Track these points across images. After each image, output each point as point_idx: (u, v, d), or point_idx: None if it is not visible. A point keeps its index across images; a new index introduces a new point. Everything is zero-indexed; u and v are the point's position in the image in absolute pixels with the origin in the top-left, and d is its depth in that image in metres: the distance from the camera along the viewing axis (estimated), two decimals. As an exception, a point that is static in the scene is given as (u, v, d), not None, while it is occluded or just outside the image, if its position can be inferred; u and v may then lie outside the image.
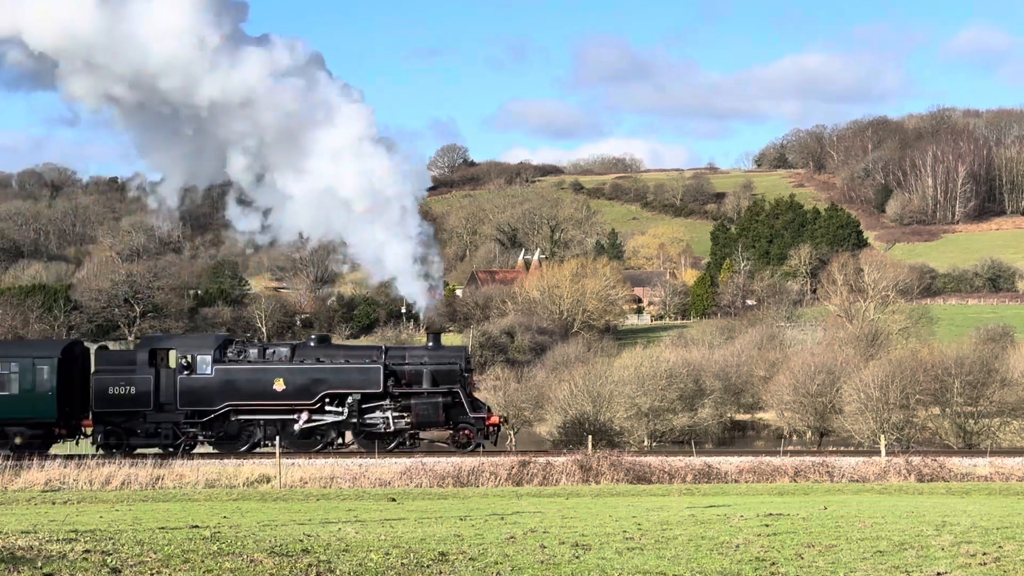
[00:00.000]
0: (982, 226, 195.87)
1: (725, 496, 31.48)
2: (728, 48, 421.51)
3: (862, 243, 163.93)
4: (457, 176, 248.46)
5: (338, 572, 14.38)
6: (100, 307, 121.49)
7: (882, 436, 49.38)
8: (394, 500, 31.20)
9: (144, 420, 43.33)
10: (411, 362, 44.27)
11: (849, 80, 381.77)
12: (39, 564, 14.37)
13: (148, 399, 43.15)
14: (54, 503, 31.52)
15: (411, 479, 38.15)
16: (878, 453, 41.62)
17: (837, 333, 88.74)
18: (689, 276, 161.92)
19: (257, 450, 43.62)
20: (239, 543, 16.78)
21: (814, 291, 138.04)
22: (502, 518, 22.98)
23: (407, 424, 43.62)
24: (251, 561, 14.91)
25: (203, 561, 14.89)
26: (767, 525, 20.13)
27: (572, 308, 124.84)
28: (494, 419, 44.54)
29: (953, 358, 64.38)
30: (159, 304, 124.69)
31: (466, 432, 43.72)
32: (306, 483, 38.13)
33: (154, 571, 14.28)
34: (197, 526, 20.38)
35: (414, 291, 49.44)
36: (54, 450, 44.15)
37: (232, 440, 43.53)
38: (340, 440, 44.13)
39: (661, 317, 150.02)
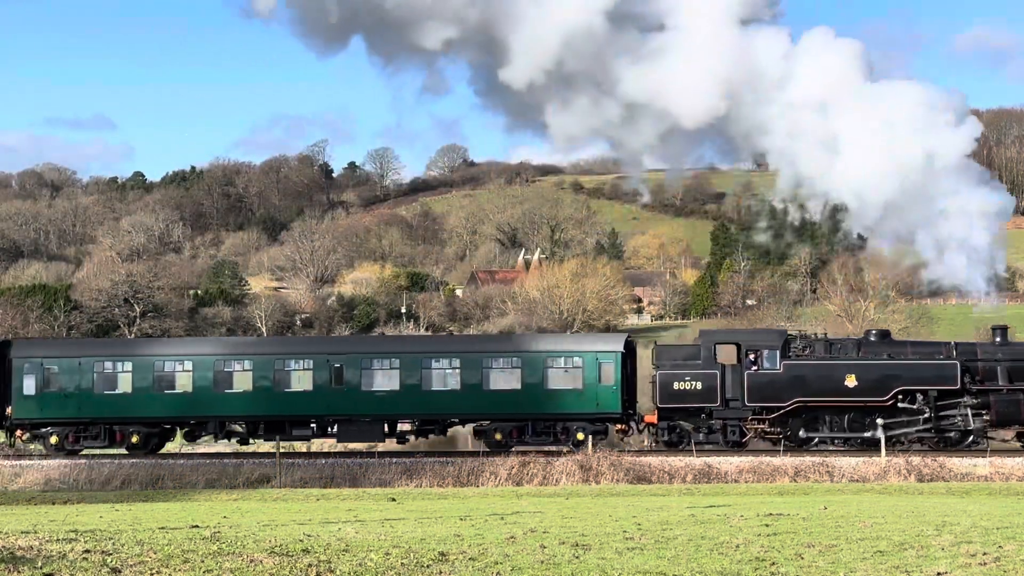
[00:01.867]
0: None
1: (725, 496, 31.46)
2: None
3: (862, 243, 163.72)
4: (457, 176, 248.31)
5: (338, 572, 14.36)
6: (100, 307, 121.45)
7: (882, 436, 49.23)
8: (394, 500, 31.19)
9: (709, 416, 43.16)
10: (984, 358, 43.61)
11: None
12: (39, 564, 14.36)
13: (715, 395, 42.83)
14: (54, 503, 31.52)
15: (411, 479, 38.17)
16: (878, 453, 41.59)
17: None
18: (689, 276, 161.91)
19: (819, 446, 43.11)
20: (239, 543, 16.76)
21: (814, 291, 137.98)
22: (502, 518, 22.96)
23: (984, 422, 43.00)
24: (251, 561, 14.90)
25: (203, 561, 14.88)
26: (767, 525, 20.12)
27: (572, 308, 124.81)
28: None
29: (953, 358, 64.14)
30: (159, 304, 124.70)
31: None
32: (306, 483, 38.14)
33: (154, 571, 14.26)
34: (197, 526, 20.37)
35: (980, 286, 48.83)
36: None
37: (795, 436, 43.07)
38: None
39: (661, 317, 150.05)
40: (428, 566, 14.84)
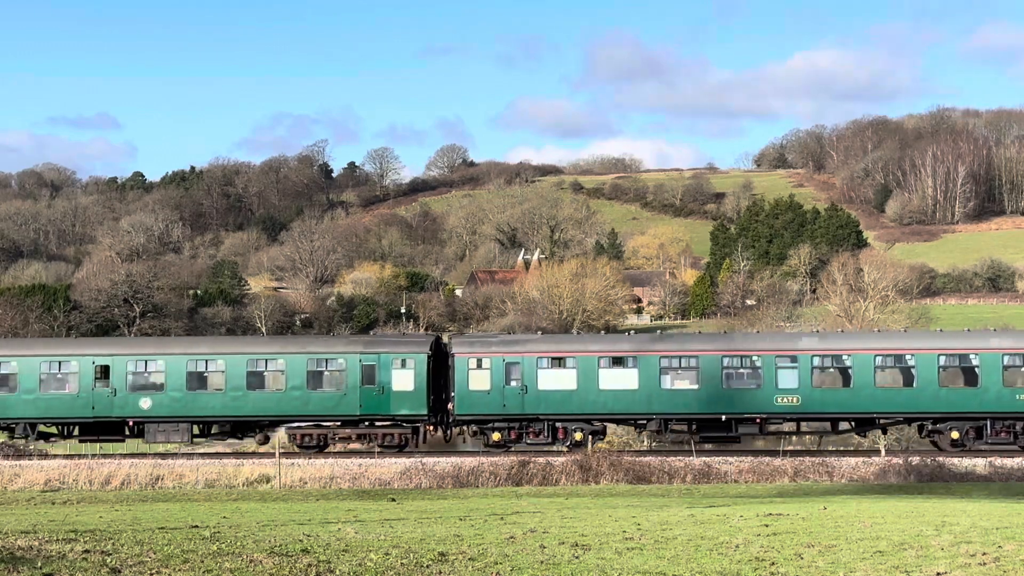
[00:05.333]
0: (982, 226, 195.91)
1: (725, 496, 31.47)
2: (740, 46, 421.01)
3: (862, 243, 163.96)
4: (457, 176, 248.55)
5: (338, 572, 14.38)
6: (100, 307, 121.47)
7: (882, 436, 49.34)
8: (394, 500, 31.20)
9: None
10: None
11: (863, 78, 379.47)
12: (39, 564, 14.37)
13: None
14: (54, 503, 31.52)
15: (411, 479, 38.15)
16: (878, 453, 41.60)
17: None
18: (689, 276, 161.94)
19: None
20: (239, 543, 16.78)
21: (814, 291, 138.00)
22: (502, 518, 22.96)
23: None
24: (251, 561, 14.91)
25: (203, 561, 14.89)
26: (767, 525, 20.12)
27: (572, 308, 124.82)
28: None
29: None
30: (159, 304, 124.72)
31: None
32: (306, 483, 38.14)
33: (154, 571, 14.27)
34: (197, 526, 20.37)
35: None
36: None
37: None
38: None
39: (661, 317, 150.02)
40: (428, 566, 14.85)
